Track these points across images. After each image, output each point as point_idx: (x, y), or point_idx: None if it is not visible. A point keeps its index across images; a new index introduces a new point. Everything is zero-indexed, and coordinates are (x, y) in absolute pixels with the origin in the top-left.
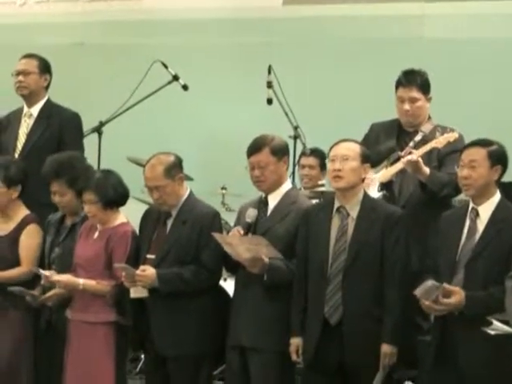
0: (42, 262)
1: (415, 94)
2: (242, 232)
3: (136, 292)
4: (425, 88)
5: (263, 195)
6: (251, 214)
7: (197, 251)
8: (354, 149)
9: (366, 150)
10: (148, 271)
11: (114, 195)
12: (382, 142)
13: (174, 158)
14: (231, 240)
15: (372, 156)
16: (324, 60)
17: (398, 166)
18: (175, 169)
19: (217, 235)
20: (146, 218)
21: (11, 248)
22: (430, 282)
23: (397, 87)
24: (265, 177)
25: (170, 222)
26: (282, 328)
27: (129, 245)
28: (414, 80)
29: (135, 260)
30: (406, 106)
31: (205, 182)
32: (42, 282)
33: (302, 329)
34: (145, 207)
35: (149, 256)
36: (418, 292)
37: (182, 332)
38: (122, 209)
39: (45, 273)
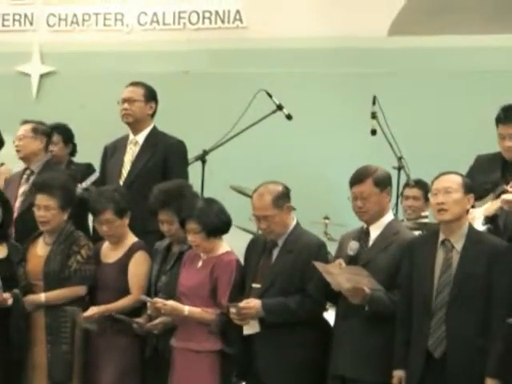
0: (149, 290)
1: None
2: (343, 265)
3: (248, 329)
4: None
5: (365, 226)
6: (353, 247)
7: (302, 281)
8: (456, 180)
9: (468, 180)
10: (252, 302)
11: (217, 224)
12: (486, 175)
13: (282, 188)
14: (332, 269)
15: (477, 189)
16: (429, 91)
17: None
18: (283, 198)
19: (318, 264)
20: (251, 247)
21: (119, 275)
22: None
23: (497, 123)
24: (367, 207)
25: (275, 252)
26: (383, 359)
27: (234, 274)
28: None
29: (240, 289)
30: (507, 143)
31: (307, 212)
32: (149, 311)
33: (405, 361)
34: (247, 236)
35: (254, 285)
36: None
37: (287, 363)
38: (225, 238)
39: (152, 300)
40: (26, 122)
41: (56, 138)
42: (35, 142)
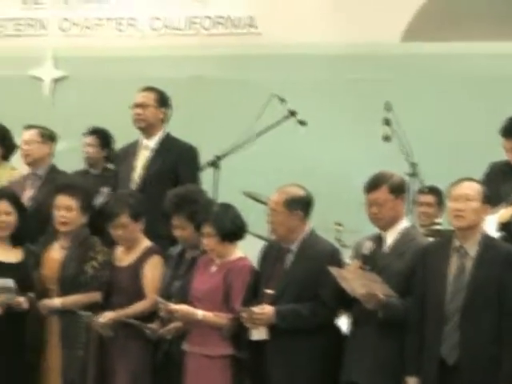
0: (161, 295)
1: None
2: (358, 264)
3: (256, 334)
4: None
5: (380, 232)
6: (367, 246)
7: (316, 287)
8: (476, 189)
9: (487, 190)
10: (266, 309)
11: (232, 228)
12: (500, 182)
13: (302, 194)
14: (347, 274)
15: (492, 196)
16: (441, 97)
17: None
18: (298, 204)
19: (333, 269)
20: (265, 252)
21: (133, 278)
22: None
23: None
24: (382, 214)
25: (289, 258)
26: (396, 366)
27: (247, 279)
28: None
29: (254, 295)
30: (510, 155)
31: (320, 218)
32: (161, 313)
33: (417, 368)
34: (261, 243)
35: (267, 291)
36: None
37: (298, 369)
38: (238, 244)
39: (166, 303)
40: (30, 126)
41: (94, 140)
42: (43, 147)
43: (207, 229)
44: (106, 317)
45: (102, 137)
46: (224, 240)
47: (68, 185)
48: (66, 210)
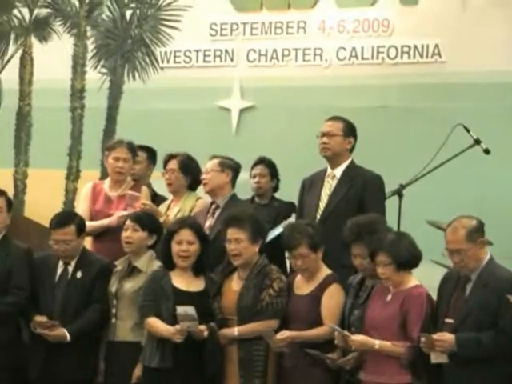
0: (342, 323)
1: None
2: None
3: (436, 357)
4: None
5: None
6: None
7: (496, 316)
8: None
9: None
10: (446, 336)
11: (407, 257)
12: None
13: (476, 222)
14: None
15: None
16: None
17: None
18: (477, 233)
19: (511, 297)
20: (445, 281)
21: (312, 307)
22: None
23: None
24: None
25: (469, 286)
26: None
27: (424, 307)
28: None
29: (431, 323)
30: None
31: (503, 246)
32: (336, 341)
33: None
34: (443, 271)
35: (447, 320)
36: None
37: None
38: (421, 272)
39: (343, 332)
40: (214, 156)
41: (264, 170)
42: (221, 175)
43: (382, 257)
44: (284, 334)
45: (271, 167)
46: (399, 269)
47: (235, 217)
48: (236, 243)
